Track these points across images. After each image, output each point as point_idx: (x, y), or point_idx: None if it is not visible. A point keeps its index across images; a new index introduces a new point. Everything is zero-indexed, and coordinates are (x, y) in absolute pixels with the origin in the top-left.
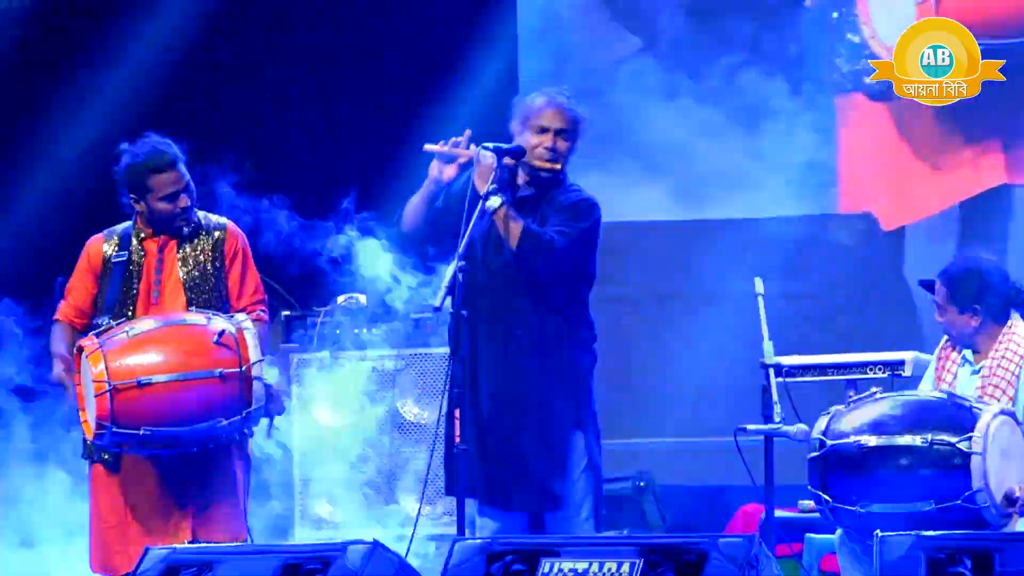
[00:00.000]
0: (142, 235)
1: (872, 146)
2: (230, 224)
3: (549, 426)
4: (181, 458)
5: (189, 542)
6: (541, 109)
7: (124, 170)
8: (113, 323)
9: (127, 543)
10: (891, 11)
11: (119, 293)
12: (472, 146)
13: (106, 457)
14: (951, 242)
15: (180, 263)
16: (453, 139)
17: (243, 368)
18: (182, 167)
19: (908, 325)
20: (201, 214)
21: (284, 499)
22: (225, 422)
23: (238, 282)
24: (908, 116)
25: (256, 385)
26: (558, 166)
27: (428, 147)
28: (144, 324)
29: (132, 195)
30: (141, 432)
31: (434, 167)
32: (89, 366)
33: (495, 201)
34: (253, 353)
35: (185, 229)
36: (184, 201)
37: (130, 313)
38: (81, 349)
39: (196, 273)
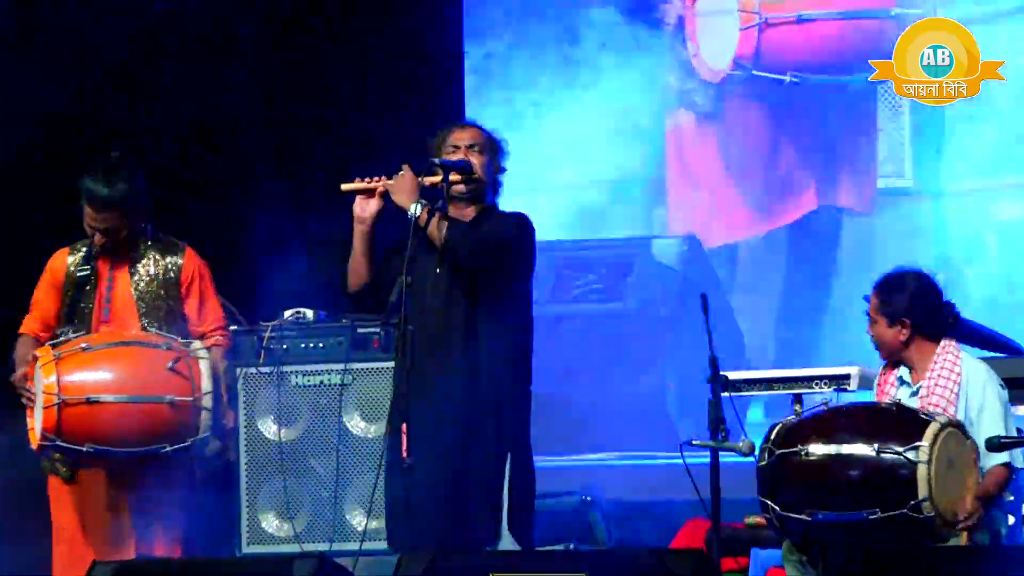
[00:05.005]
0: (96, 251)
1: (698, 167)
2: (188, 249)
3: (484, 451)
4: (130, 474)
5: (134, 557)
6: (449, 132)
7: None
8: (72, 335)
9: (77, 555)
10: (718, 34)
11: (76, 306)
12: (383, 178)
13: (62, 469)
14: (781, 263)
15: (132, 282)
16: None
17: (194, 397)
18: (114, 212)
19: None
20: (157, 237)
21: (231, 514)
22: (169, 448)
23: (196, 307)
24: (732, 139)
25: (204, 415)
26: (475, 175)
27: (344, 187)
28: (101, 340)
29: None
30: (84, 448)
31: (356, 206)
32: (41, 376)
33: (415, 209)
34: (205, 383)
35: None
36: (99, 239)
37: (83, 327)
38: (35, 358)
39: (149, 293)
